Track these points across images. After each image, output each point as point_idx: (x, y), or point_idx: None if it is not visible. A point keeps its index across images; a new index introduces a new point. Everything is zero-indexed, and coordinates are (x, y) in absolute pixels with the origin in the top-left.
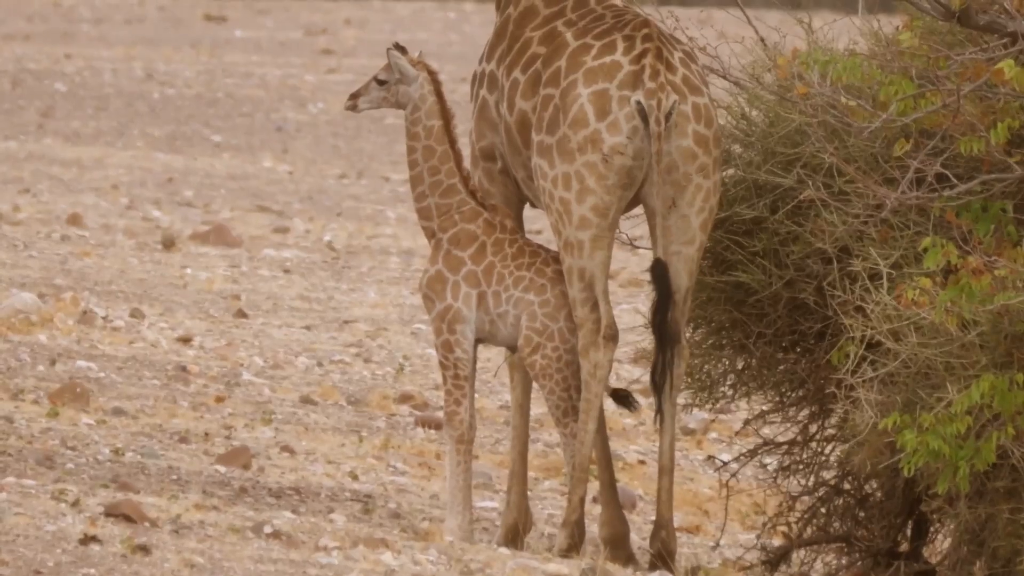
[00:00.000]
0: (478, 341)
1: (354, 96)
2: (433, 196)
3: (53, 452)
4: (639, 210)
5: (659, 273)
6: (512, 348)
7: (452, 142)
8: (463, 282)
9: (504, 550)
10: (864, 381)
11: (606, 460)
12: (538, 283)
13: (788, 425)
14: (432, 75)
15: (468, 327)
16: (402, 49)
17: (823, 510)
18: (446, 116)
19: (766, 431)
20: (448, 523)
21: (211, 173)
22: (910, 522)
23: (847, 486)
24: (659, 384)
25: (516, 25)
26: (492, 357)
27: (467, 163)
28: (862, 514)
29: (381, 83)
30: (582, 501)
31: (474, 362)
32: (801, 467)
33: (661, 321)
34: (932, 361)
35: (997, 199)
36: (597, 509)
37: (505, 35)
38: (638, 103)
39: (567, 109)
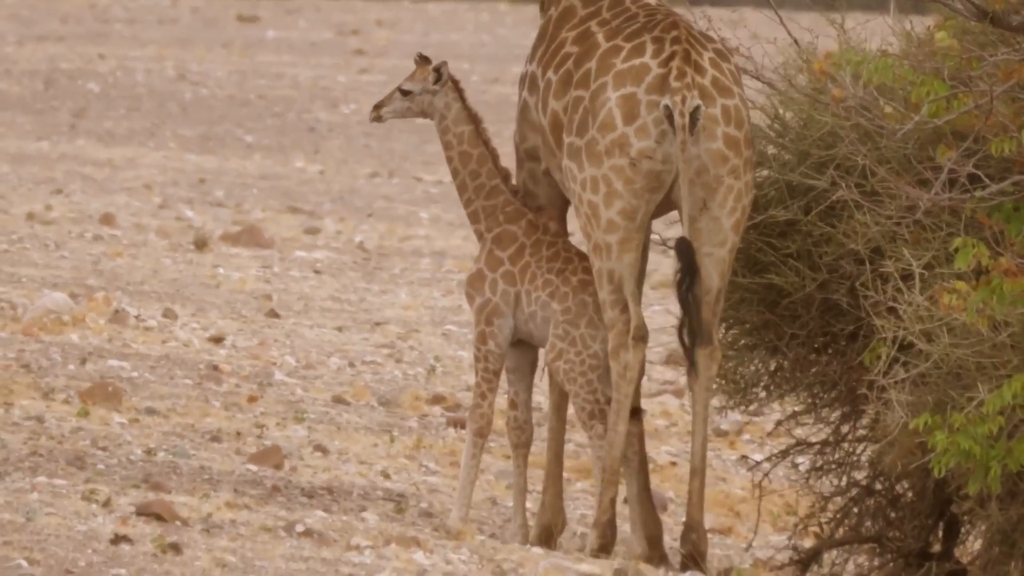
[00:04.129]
0: (520, 341)
1: (377, 107)
2: (478, 199)
3: (84, 452)
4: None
5: (684, 250)
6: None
7: (486, 143)
8: (501, 280)
9: (537, 550)
10: (896, 382)
11: (641, 462)
12: (561, 291)
13: (820, 426)
14: (453, 82)
15: (506, 322)
16: (426, 59)
17: (855, 511)
18: (474, 120)
19: (798, 432)
20: (453, 514)
21: (243, 173)
22: (941, 523)
23: (879, 487)
24: (689, 341)
25: (555, 26)
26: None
27: (504, 163)
28: (893, 515)
29: (405, 93)
30: (613, 502)
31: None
32: (833, 467)
33: (687, 291)
34: (963, 362)
35: None
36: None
37: (545, 36)
38: (666, 107)
39: (596, 112)
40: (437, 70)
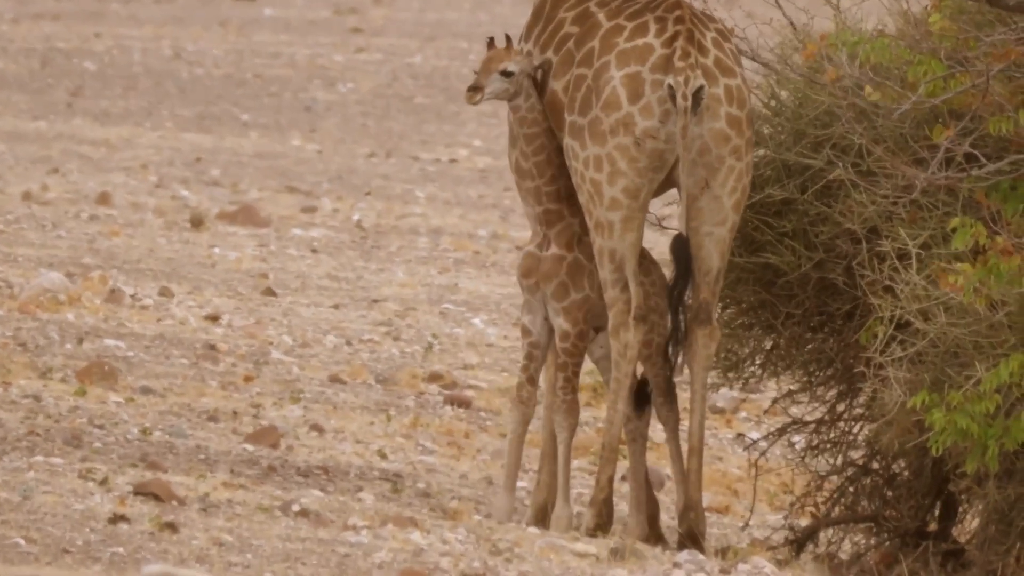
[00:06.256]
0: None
1: (476, 89)
2: (562, 178)
3: (81, 431)
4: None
5: (680, 249)
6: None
7: None
8: (594, 271)
9: (533, 529)
10: (893, 360)
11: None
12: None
13: (816, 404)
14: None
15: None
16: (507, 40)
17: (851, 490)
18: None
19: (794, 410)
20: (557, 512)
21: (239, 152)
22: (938, 502)
23: (875, 465)
24: (672, 359)
25: (552, 6)
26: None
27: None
28: (890, 494)
29: (508, 75)
30: (611, 480)
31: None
32: (829, 446)
33: (679, 296)
34: (961, 340)
35: None
36: (625, 488)
37: (541, 16)
38: (669, 86)
39: (600, 91)
40: (507, 37)
